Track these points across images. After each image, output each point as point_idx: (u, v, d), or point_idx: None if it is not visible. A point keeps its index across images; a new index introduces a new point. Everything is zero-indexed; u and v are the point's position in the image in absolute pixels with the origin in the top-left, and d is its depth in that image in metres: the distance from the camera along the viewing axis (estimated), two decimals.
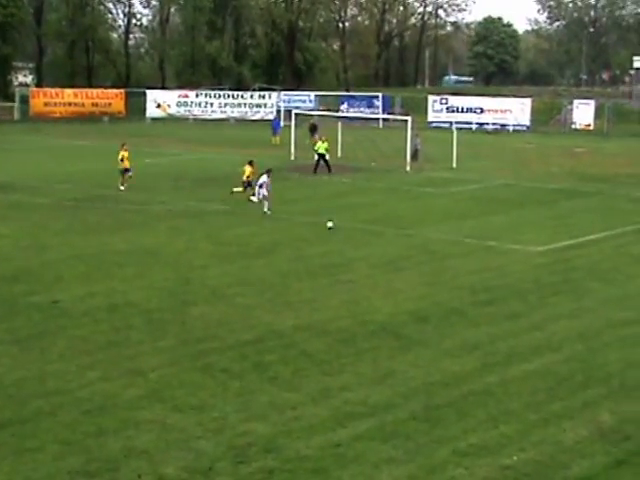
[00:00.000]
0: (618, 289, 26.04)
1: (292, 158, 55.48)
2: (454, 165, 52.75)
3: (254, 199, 37.75)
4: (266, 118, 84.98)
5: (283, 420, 16.54)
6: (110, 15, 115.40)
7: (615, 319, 23.04)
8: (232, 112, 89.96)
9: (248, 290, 25.51)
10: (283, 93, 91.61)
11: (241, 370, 19.10)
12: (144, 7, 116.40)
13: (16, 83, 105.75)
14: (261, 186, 36.95)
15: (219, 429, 16.12)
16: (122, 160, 42.47)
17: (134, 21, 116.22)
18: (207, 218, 36.21)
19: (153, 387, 18.04)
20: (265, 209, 36.62)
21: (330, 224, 33.24)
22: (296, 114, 59.17)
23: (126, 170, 42.29)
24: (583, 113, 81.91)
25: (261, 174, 37.40)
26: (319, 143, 51.37)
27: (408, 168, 51.93)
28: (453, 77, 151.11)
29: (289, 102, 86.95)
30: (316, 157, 50.60)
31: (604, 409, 17.19)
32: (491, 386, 18.33)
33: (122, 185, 42.42)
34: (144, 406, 17.06)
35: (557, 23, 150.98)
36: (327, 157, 50.27)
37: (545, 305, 24.44)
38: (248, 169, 39.83)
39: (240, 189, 39.49)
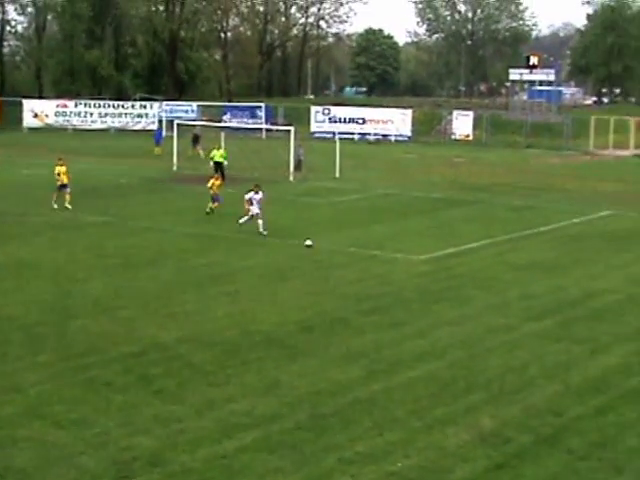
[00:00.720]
0: (497, 296, 26.61)
1: (174, 169, 55.08)
2: (337, 175, 53.13)
3: (243, 220, 35.04)
4: (148, 128, 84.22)
5: (168, 433, 16.37)
6: None
7: (495, 325, 23.55)
8: (113, 122, 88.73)
9: (131, 302, 25.20)
10: (165, 103, 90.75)
11: (125, 384, 18.84)
12: (19, 14, 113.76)
13: None
14: (251, 203, 34.81)
15: (102, 444, 15.86)
16: (59, 175, 39.73)
17: (8, 28, 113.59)
18: (88, 230, 35.65)
19: (32, 403, 17.64)
20: (261, 229, 34.45)
21: (309, 242, 32.53)
22: (178, 124, 58.67)
23: (62, 186, 39.60)
24: (462, 124, 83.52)
25: (248, 190, 35.41)
26: (214, 151, 50.69)
27: (292, 178, 52.12)
28: (352, 89, 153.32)
29: (171, 112, 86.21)
30: (212, 165, 49.81)
31: (485, 414, 17.53)
32: (376, 394, 18.51)
33: (55, 203, 39.69)
34: (23, 423, 16.66)
35: (436, 36, 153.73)
36: (225, 164, 49.85)
37: (428, 313, 24.80)
38: (216, 182, 38.58)
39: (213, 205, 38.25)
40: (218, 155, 50.37)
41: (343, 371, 19.86)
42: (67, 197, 39.70)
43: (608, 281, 28.74)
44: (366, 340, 22.12)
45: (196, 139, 63.34)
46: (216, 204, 37.97)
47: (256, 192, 34.92)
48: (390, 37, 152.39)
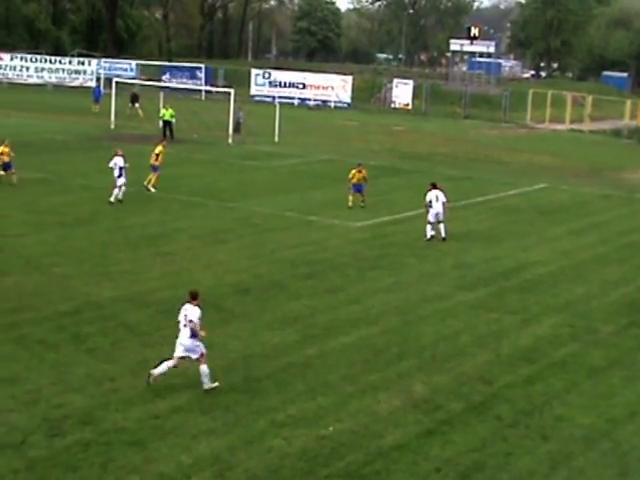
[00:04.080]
0: (432, 265, 26.85)
1: (112, 127, 54.47)
2: (276, 139, 52.99)
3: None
4: (85, 85, 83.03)
5: (100, 392, 16.32)
6: None
7: (429, 294, 23.79)
8: (50, 77, 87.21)
9: (66, 260, 24.98)
10: (103, 60, 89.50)
11: (58, 341, 18.71)
12: None
13: None
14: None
15: (33, 402, 15.76)
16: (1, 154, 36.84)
17: None
18: (22, 186, 35.12)
19: None
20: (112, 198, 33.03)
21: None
22: (117, 82, 57.99)
23: (7, 166, 35.97)
24: (402, 92, 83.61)
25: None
26: (163, 110, 51.79)
27: (230, 141, 51.86)
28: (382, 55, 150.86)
29: (110, 70, 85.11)
30: (161, 124, 51.11)
31: (417, 380, 17.76)
32: (310, 358, 18.62)
33: None
34: None
35: (378, 3, 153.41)
36: (173, 123, 50.77)
37: (364, 279, 24.95)
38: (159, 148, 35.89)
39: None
40: (168, 114, 51.49)
41: (278, 335, 19.93)
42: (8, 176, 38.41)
43: (540, 253, 29.14)
44: (301, 305, 22.21)
45: (135, 98, 62.67)
46: (156, 175, 35.75)
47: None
48: (332, 2, 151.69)
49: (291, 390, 16.93)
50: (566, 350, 20.22)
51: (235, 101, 53.21)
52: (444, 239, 29.53)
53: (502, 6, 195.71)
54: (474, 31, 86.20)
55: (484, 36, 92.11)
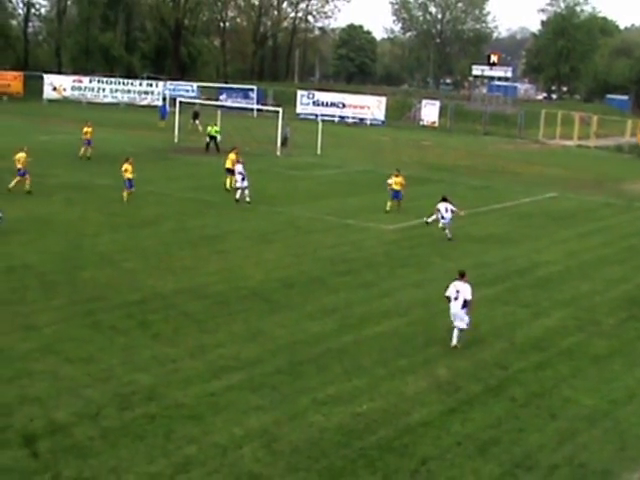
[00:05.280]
0: (455, 263, 26.48)
1: (176, 141, 54.72)
2: (318, 152, 52.92)
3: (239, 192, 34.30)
4: (153, 104, 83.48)
5: (164, 372, 16.40)
6: (10, 4, 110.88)
7: None
8: (122, 97, 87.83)
9: (134, 256, 25.13)
10: (169, 82, 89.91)
11: (127, 327, 18.83)
12: None
13: None
14: (242, 176, 34.12)
15: (106, 379, 15.88)
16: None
17: (33, 10, 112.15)
18: (98, 191, 35.40)
19: (46, 341, 17.63)
20: (248, 199, 33.98)
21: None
22: (180, 102, 58.28)
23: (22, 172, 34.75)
24: (430, 112, 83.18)
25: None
26: (209, 127, 52.02)
27: (278, 153, 51.87)
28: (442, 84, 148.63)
29: (174, 91, 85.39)
30: (207, 139, 51.34)
31: (441, 365, 17.65)
32: (346, 345, 18.58)
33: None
34: (37, 358, 16.66)
35: (409, 33, 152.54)
36: (218, 139, 51.10)
37: (394, 276, 24.86)
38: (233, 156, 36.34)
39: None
40: (213, 130, 51.76)
41: (318, 324, 19.91)
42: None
43: (551, 254, 28.88)
44: (339, 298, 22.16)
45: (196, 115, 62.91)
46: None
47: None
48: (369, 32, 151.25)
49: (330, 372, 16.90)
50: (572, 340, 20.03)
51: (283, 118, 53.21)
52: (450, 239, 29.66)
53: (518, 36, 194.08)
54: (493, 58, 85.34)
55: (502, 62, 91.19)
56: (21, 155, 34.18)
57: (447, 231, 30.05)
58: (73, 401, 14.83)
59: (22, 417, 14.09)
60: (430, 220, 31.29)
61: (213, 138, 51.20)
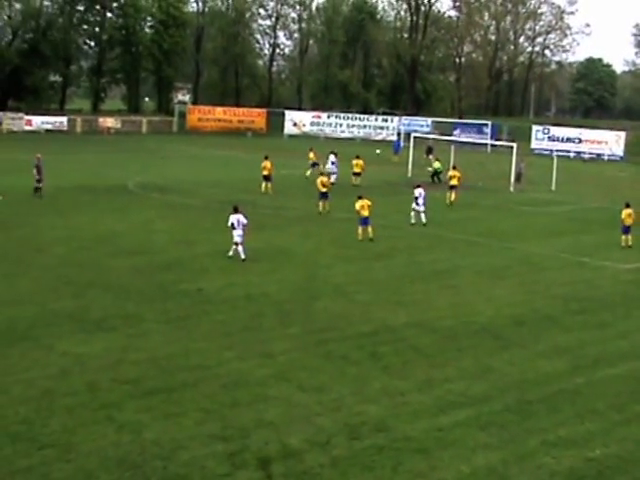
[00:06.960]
0: None
1: (409, 175, 55.26)
2: (553, 188, 51.66)
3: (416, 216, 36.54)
4: (388, 139, 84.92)
5: (393, 404, 16.51)
6: (257, 45, 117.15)
7: None
8: (358, 132, 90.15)
9: (366, 289, 25.52)
10: (403, 118, 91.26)
11: (357, 358, 19.13)
12: (287, 39, 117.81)
13: (176, 100, 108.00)
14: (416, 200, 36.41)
15: (336, 408, 16.18)
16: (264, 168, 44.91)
17: (278, 51, 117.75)
18: (334, 224, 36.33)
19: (280, 368, 18.23)
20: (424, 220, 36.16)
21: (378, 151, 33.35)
22: (414, 137, 58.93)
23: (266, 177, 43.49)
24: None
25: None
26: (435, 163, 53.40)
27: (512, 189, 51.13)
28: None
29: (408, 126, 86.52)
30: (431, 172, 52.95)
31: None
32: (579, 386, 17.94)
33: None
34: (272, 384, 17.25)
35: None
36: (440, 173, 52.05)
37: (631, 317, 23.77)
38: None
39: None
40: (437, 165, 53.27)
41: (549, 363, 19.36)
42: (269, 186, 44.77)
43: None
44: (572, 337, 21.46)
45: (430, 150, 63.42)
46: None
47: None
48: (609, 66, 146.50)
49: (561, 414, 16.37)
50: None
51: (517, 154, 52.47)
52: None
53: None
54: None
55: None
56: (266, 163, 44.05)
57: None
58: (305, 428, 15.23)
59: (258, 440, 14.64)
60: None
61: (437, 172, 52.59)
